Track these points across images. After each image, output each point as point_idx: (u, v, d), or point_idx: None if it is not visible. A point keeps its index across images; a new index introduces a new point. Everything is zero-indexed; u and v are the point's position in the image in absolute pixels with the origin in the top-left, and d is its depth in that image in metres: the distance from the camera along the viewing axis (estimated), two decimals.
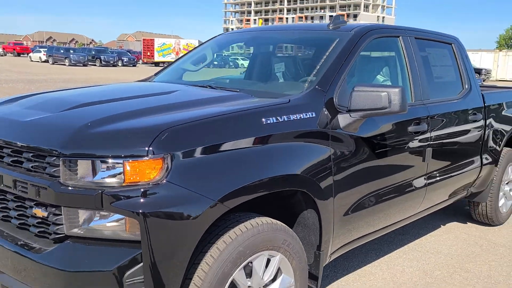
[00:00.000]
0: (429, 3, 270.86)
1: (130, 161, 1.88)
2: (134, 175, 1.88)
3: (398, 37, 3.40)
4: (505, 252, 4.15)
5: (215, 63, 3.98)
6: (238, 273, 2.17)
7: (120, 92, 2.85)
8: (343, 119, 2.65)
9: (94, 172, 1.90)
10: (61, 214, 1.96)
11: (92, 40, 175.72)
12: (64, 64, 41.26)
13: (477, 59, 41.64)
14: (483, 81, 29.90)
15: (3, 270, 2.13)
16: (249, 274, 2.28)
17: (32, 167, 2.02)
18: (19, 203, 2.13)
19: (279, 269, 2.41)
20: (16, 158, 2.09)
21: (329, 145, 2.56)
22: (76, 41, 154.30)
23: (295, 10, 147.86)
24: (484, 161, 4.23)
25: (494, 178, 4.51)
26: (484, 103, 4.14)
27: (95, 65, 44.82)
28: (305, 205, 2.57)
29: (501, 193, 4.74)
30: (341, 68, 2.79)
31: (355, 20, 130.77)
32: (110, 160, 1.89)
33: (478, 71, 37.40)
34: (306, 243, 2.62)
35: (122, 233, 1.91)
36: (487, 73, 38.32)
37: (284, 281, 2.43)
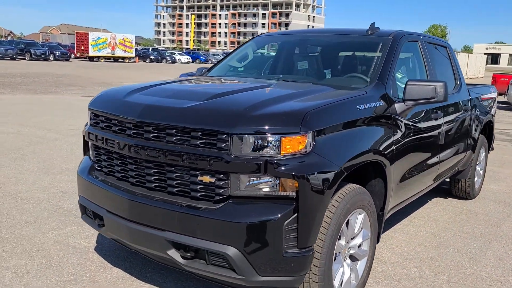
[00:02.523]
0: (356, 4, 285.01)
1: (286, 137, 2.44)
2: (288, 147, 2.45)
3: (417, 41, 4.18)
4: (485, 218, 5.11)
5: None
6: (344, 225, 2.81)
7: (231, 86, 3.40)
8: (399, 107, 3.37)
9: (257, 145, 2.44)
10: (226, 179, 2.48)
11: (11, 32, 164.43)
12: None
13: None
14: None
15: (165, 228, 2.60)
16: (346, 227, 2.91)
17: (200, 143, 2.51)
18: (179, 173, 2.61)
19: (361, 224, 3.06)
20: (180, 137, 2.57)
21: (391, 127, 3.26)
22: None
23: (228, 7, 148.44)
24: (468, 144, 5.16)
25: (472, 159, 5.49)
26: (470, 96, 5.07)
27: (24, 59, 42.65)
28: (374, 175, 3.25)
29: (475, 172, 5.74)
30: (391, 66, 3.51)
31: (287, 18, 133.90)
32: (270, 137, 2.44)
33: None
34: None
35: (276, 192, 2.47)
36: None
37: (364, 234, 3.10)
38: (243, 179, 2.48)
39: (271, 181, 2.48)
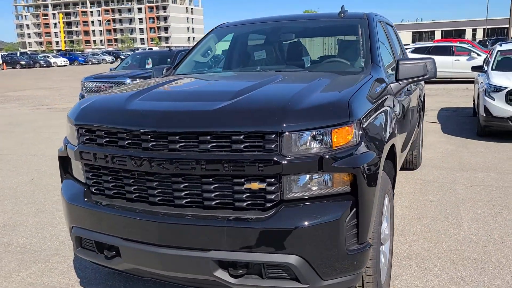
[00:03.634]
0: None
1: (336, 129, 2.27)
2: (339, 140, 2.27)
3: (381, 22, 4.24)
4: (439, 185, 5.45)
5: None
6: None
7: (240, 81, 3.11)
8: (394, 86, 3.38)
9: (309, 141, 2.23)
10: (277, 183, 2.24)
11: None
12: None
13: None
14: None
15: (210, 247, 2.27)
16: None
17: (244, 147, 2.22)
18: (219, 184, 2.30)
19: None
20: (217, 143, 2.25)
21: (393, 108, 3.26)
22: None
23: (99, 3, 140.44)
24: (418, 116, 5.45)
25: (419, 131, 5.82)
26: None
27: None
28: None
29: None
30: (378, 47, 3.50)
31: (166, 22, 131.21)
32: (321, 131, 2.23)
33: None
34: None
35: (330, 188, 2.30)
36: None
37: (387, 218, 3.06)
38: (295, 180, 2.27)
39: (324, 178, 2.30)
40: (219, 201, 2.33)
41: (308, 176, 2.27)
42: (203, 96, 2.64)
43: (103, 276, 3.37)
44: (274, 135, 2.21)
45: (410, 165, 6.02)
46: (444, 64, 18.87)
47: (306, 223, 2.22)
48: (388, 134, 2.78)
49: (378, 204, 2.56)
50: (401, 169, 6.10)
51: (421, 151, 6.41)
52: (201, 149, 2.28)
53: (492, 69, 8.60)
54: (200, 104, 2.43)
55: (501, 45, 9.54)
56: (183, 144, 2.30)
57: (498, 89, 7.57)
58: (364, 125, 2.43)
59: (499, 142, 7.62)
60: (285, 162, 2.20)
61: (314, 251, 2.24)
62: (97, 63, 59.34)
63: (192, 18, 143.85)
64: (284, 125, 2.21)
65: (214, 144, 2.26)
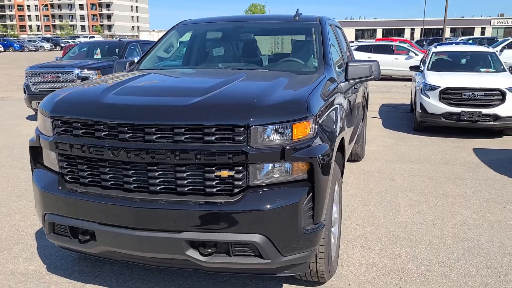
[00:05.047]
0: None
1: (296, 123, 2.57)
2: (298, 133, 2.58)
3: (331, 25, 4.61)
4: (380, 175, 5.96)
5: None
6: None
7: (208, 78, 3.30)
8: (344, 86, 3.75)
9: (273, 134, 2.52)
10: (244, 171, 2.52)
11: None
12: None
13: None
14: None
15: (183, 229, 2.51)
16: None
17: (215, 139, 2.47)
18: (191, 172, 2.54)
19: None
20: (191, 135, 2.48)
21: (343, 105, 3.62)
22: None
23: None
24: (363, 113, 5.92)
25: (363, 125, 6.29)
26: None
27: None
28: None
29: None
30: (329, 49, 3.85)
31: (109, 9, 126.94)
32: (284, 125, 2.53)
33: None
34: None
35: (290, 176, 2.60)
36: None
37: (337, 203, 3.43)
38: (260, 168, 2.55)
39: (285, 166, 2.60)
40: (191, 187, 2.57)
41: (271, 164, 2.57)
42: (176, 91, 2.86)
43: (70, 262, 3.50)
44: (242, 128, 2.48)
45: (355, 157, 6.49)
46: (385, 63, 19.83)
47: (269, 206, 2.52)
48: (339, 128, 3.14)
49: (330, 190, 2.91)
50: (347, 161, 6.51)
51: (365, 144, 6.92)
52: (175, 140, 2.51)
53: (428, 69, 9.31)
54: (174, 99, 2.66)
55: (436, 47, 10.32)
56: (159, 135, 2.52)
57: (432, 88, 8.25)
58: (319, 120, 2.76)
59: (433, 136, 8.32)
60: (252, 152, 2.48)
61: (276, 231, 2.55)
62: (35, 50, 56.64)
63: (137, 7, 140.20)
64: (252, 119, 2.48)
65: (188, 135, 2.50)
